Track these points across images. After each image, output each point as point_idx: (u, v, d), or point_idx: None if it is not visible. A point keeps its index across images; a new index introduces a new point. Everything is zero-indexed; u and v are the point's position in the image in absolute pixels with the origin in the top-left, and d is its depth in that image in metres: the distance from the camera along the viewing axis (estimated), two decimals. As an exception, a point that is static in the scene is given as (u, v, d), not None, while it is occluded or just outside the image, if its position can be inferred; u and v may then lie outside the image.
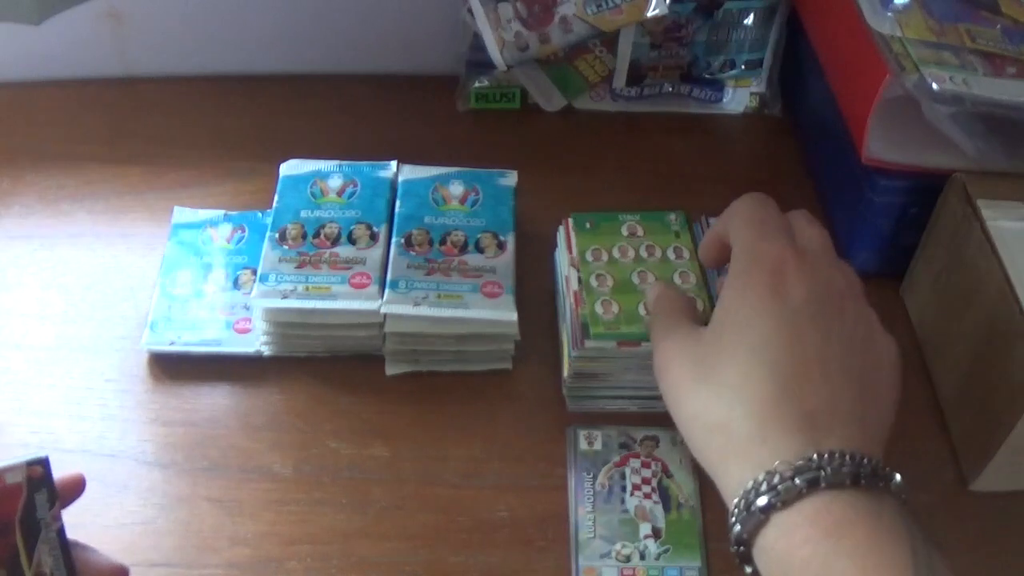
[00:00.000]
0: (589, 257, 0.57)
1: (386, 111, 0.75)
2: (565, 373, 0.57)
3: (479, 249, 0.60)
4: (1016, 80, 0.57)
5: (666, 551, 0.51)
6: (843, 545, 0.37)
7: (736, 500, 0.40)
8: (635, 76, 0.75)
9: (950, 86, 0.55)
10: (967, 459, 0.55)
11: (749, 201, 0.48)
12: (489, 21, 0.68)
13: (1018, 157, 0.58)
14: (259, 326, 0.58)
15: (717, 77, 0.76)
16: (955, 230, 0.57)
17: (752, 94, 0.77)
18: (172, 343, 0.58)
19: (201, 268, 0.62)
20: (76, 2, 0.61)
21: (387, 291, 0.57)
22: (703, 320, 0.47)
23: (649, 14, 0.69)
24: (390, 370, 0.59)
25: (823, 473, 0.38)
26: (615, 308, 0.55)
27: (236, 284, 0.61)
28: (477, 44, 0.71)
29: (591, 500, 0.53)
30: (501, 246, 0.60)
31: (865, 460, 0.39)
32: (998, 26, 0.60)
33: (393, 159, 0.64)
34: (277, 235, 0.59)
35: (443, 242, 0.60)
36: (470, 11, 0.69)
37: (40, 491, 0.40)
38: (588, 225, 0.59)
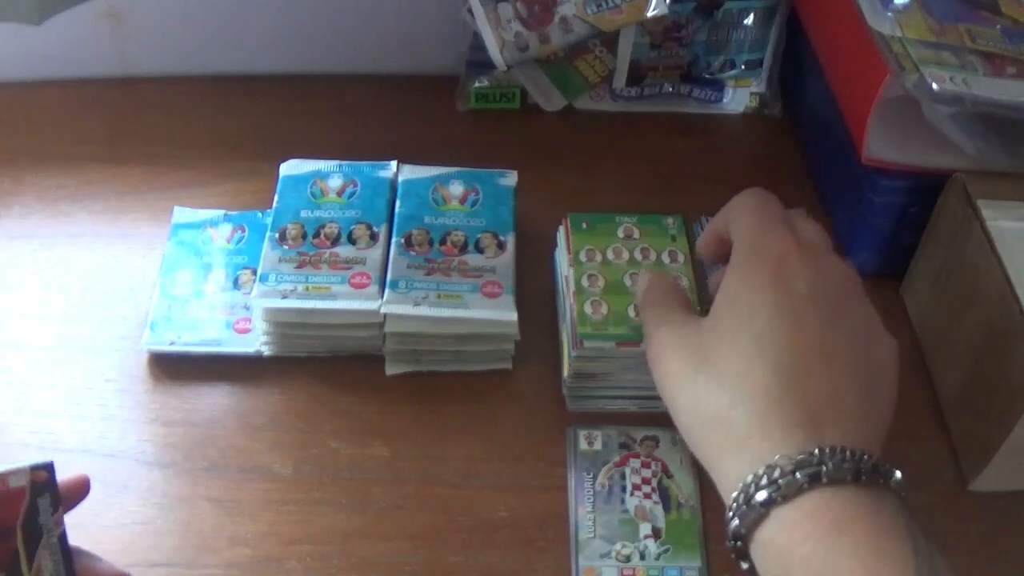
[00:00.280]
0: (583, 257, 0.57)
1: (386, 111, 0.75)
2: (565, 373, 0.57)
3: (479, 249, 0.60)
4: (1016, 80, 0.57)
5: (666, 551, 0.51)
6: (843, 542, 0.37)
7: (735, 494, 0.39)
8: (635, 76, 0.75)
9: (950, 86, 0.55)
10: (967, 459, 0.55)
11: (751, 195, 0.48)
12: (489, 21, 0.68)
13: (1018, 157, 0.58)
14: (259, 326, 0.58)
15: (717, 77, 0.76)
16: (955, 230, 0.57)
17: (752, 94, 0.77)
18: (172, 343, 0.58)
19: (201, 268, 0.62)
20: (76, 2, 0.61)
21: (387, 291, 0.57)
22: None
23: (649, 14, 0.69)
24: (390, 370, 0.59)
25: (824, 468, 0.38)
26: (604, 309, 0.55)
27: (236, 284, 0.61)
28: (477, 44, 0.71)
29: (591, 500, 0.53)
30: (501, 246, 0.60)
31: (866, 456, 0.38)
32: (998, 26, 0.60)
33: (393, 159, 0.64)
34: (277, 235, 0.59)
35: (443, 242, 0.60)
36: (470, 11, 0.69)
37: (43, 496, 0.40)
38: (584, 225, 0.59)
